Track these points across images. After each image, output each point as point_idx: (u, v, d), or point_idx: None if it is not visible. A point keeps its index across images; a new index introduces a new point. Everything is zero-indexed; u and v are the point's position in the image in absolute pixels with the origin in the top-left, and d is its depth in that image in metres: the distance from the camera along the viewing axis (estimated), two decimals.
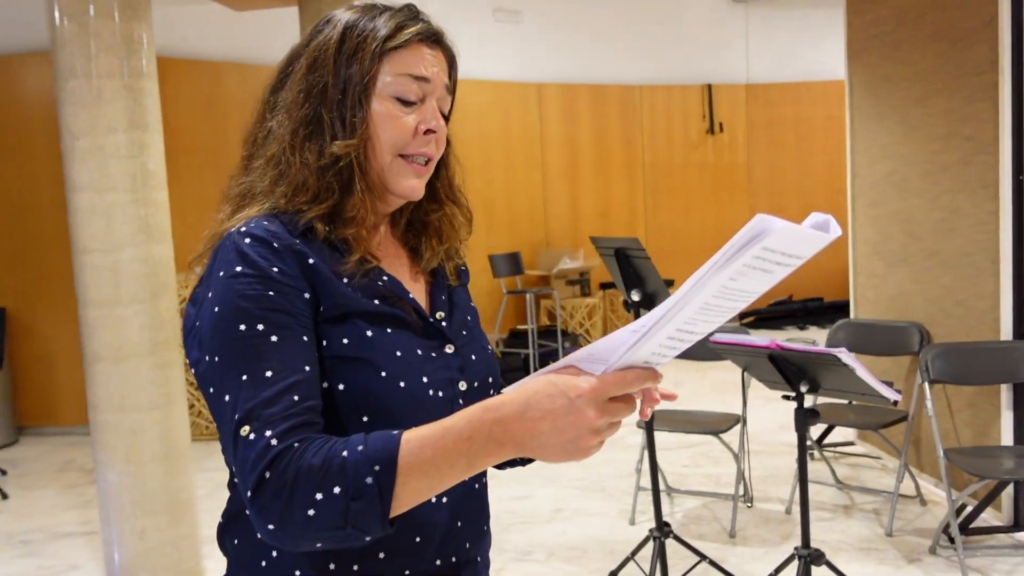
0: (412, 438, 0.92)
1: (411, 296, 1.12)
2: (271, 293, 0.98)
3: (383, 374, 1.03)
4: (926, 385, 3.25)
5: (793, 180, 9.09)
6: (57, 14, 2.98)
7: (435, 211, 1.24)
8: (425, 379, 1.07)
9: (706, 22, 8.91)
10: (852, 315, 4.48)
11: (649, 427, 3.09)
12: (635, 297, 2.86)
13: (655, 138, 8.73)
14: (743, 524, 3.71)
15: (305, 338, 0.99)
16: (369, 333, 1.04)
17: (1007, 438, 3.33)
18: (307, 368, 0.98)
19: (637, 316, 2.93)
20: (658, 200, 8.77)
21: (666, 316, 0.87)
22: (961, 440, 3.59)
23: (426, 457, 0.91)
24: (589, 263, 8.00)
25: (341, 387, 1.01)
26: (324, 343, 1.02)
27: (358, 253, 1.07)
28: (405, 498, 0.91)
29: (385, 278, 1.11)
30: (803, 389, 2.67)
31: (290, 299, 0.99)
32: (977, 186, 3.39)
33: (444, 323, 1.15)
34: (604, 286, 8.23)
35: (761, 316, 8.70)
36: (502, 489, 4.26)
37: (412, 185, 1.14)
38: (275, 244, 1.01)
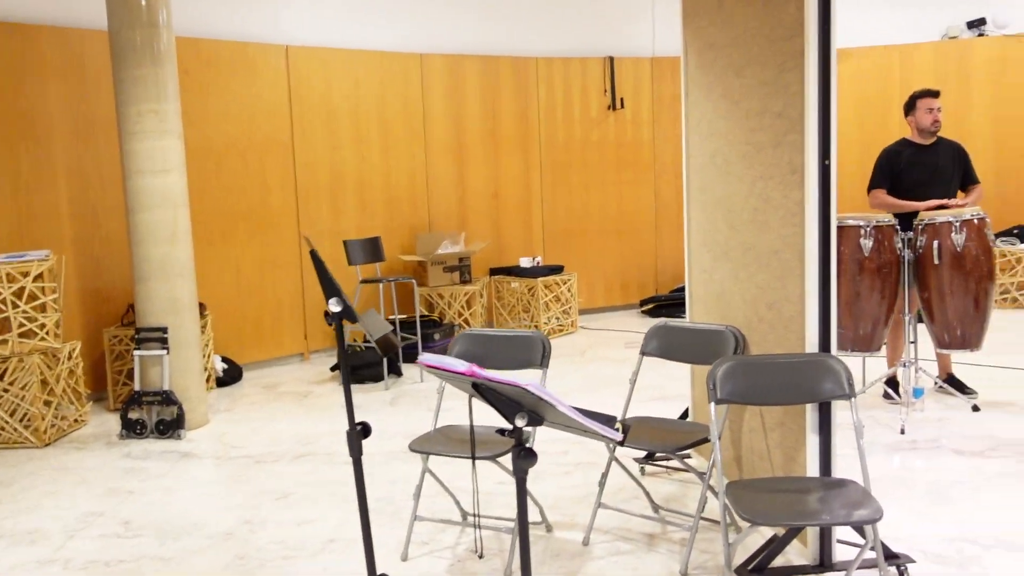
0: None
1: None
2: None
3: None
4: (712, 406, 2.76)
5: None
6: None
7: None
8: None
9: None
10: (688, 314, 4.00)
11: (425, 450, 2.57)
12: (334, 308, 2.33)
13: (552, 113, 8.18)
14: (535, 555, 3.22)
15: None
16: None
17: (813, 466, 2.86)
18: None
19: (339, 328, 2.40)
20: (556, 180, 8.24)
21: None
22: (773, 463, 3.12)
23: None
24: (471, 248, 7.46)
25: None
26: None
27: None
28: None
29: None
30: (519, 423, 2.16)
31: None
32: (787, 171, 2.89)
33: None
34: (495, 272, 7.71)
35: (660, 303, 8.22)
36: (292, 511, 3.74)
37: None
38: None
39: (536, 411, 2.19)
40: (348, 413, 2.41)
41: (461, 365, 2.12)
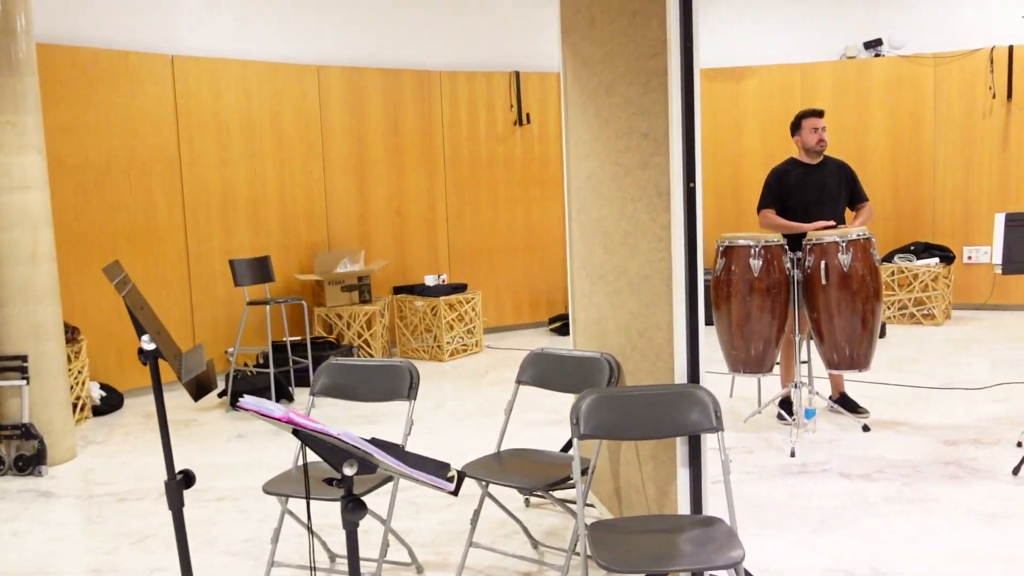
0: None
1: None
2: None
3: None
4: (576, 443, 2.62)
5: None
6: None
7: None
8: None
9: (514, 3, 8.25)
10: (572, 340, 3.86)
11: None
12: (146, 345, 2.11)
13: (457, 129, 8.03)
14: None
15: None
16: None
17: (684, 501, 2.74)
18: None
19: (154, 367, 2.18)
20: (461, 197, 8.08)
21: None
22: (648, 498, 3.00)
23: None
24: (371, 267, 7.24)
25: None
26: None
27: None
28: None
29: None
30: (348, 471, 1.97)
31: None
32: (653, 194, 2.78)
33: None
34: (398, 290, 7.50)
35: (567, 321, 8.13)
36: (148, 556, 3.44)
37: None
38: None
39: (366, 459, 2.00)
40: (167, 463, 2.18)
41: (278, 411, 1.92)
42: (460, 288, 7.39)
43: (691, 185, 2.62)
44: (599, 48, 3.17)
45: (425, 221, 7.91)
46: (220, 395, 6.06)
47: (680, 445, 2.73)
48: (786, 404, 4.97)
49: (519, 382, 3.34)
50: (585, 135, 3.38)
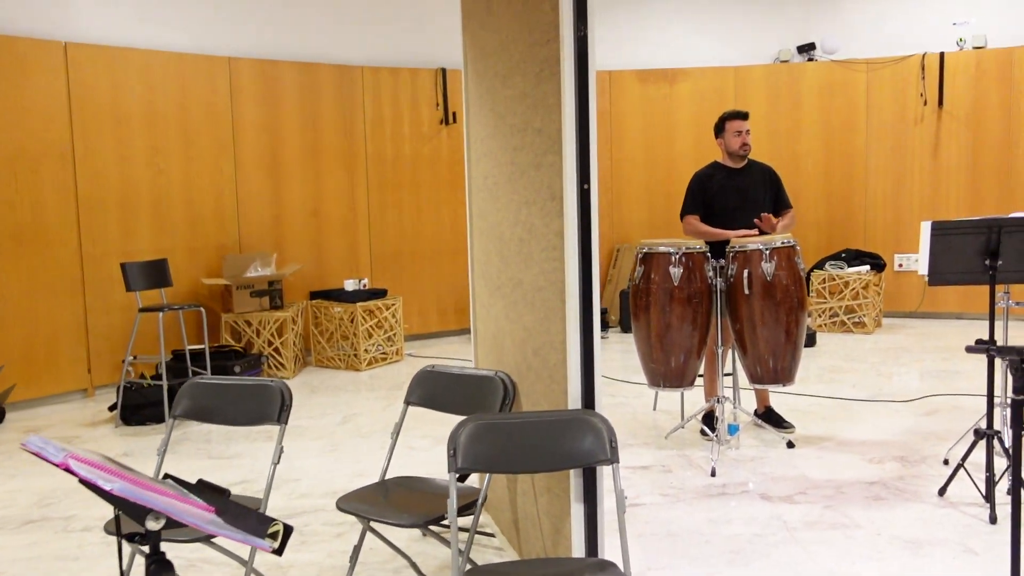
0: None
1: None
2: None
3: None
4: (451, 479, 2.31)
5: None
6: None
7: None
8: None
9: None
10: (474, 356, 3.56)
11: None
12: None
13: (380, 127, 7.67)
14: None
15: None
16: None
17: (578, 542, 2.45)
18: None
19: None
20: (384, 198, 7.72)
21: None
22: (543, 532, 2.71)
23: None
24: (283, 270, 6.85)
25: None
26: None
27: None
28: None
29: None
30: (152, 526, 1.64)
31: None
32: (547, 197, 2.49)
33: None
34: (315, 295, 7.11)
35: None
36: None
37: None
38: None
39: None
40: None
41: (56, 455, 1.57)
42: (379, 293, 7.04)
43: (585, 187, 2.33)
44: (495, 36, 2.87)
45: (345, 223, 7.54)
46: (111, 409, 5.62)
47: (574, 478, 2.44)
48: (709, 419, 4.74)
49: (407, 402, 3.03)
50: (482, 132, 3.08)
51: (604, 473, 2.47)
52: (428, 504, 2.74)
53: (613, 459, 2.31)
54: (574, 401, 2.41)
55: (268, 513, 3.77)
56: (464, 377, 2.93)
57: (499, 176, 2.89)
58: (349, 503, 2.75)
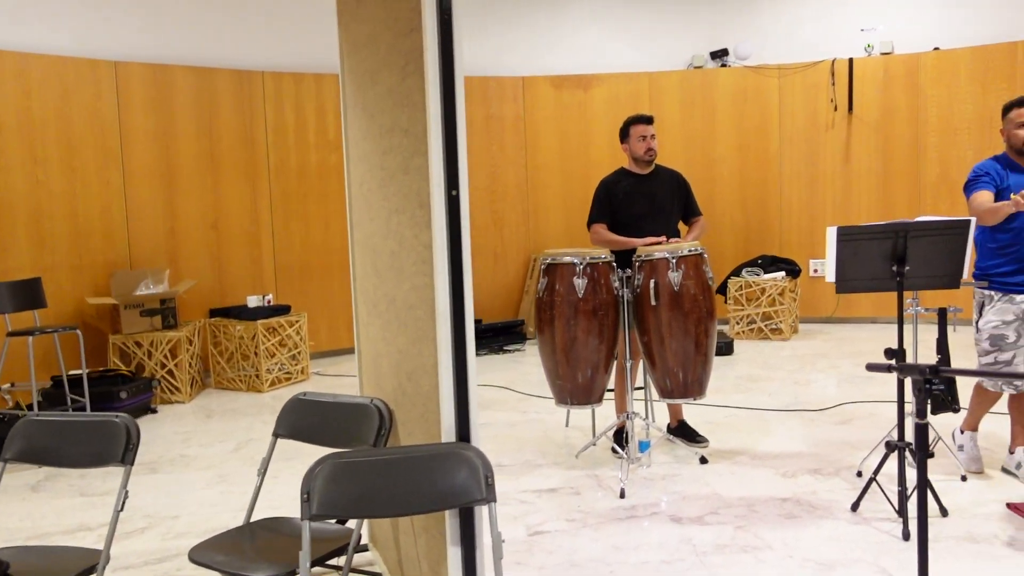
0: None
1: None
2: None
3: None
4: (305, 526, 2.04)
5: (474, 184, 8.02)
6: None
7: None
8: None
9: None
10: (359, 382, 3.28)
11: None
12: None
13: (283, 135, 7.32)
14: None
15: None
16: None
17: None
18: None
19: None
20: (288, 211, 7.37)
21: None
22: (423, 575, 2.44)
23: None
24: (177, 288, 6.44)
25: None
26: None
27: None
28: None
29: None
30: None
31: None
32: (416, 204, 2.24)
33: None
34: (214, 313, 6.71)
35: None
36: None
37: None
38: None
39: None
40: None
41: None
42: (283, 310, 6.68)
43: (453, 193, 2.08)
44: (365, 27, 2.62)
45: (248, 236, 7.16)
46: None
47: (450, 518, 2.18)
48: (620, 435, 4.54)
49: (275, 435, 2.73)
50: (356, 134, 2.82)
51: (483, 511, 2.22)
52: (296, 551, 2.45)
53: (489, 498, 2.06)
54: (447, 433, 2.16)
55: (138, 557, 3.42)
56: (337, 406, 2.65)
57: (372, 182, 2.63)
58: (203, 553, 2.44)
